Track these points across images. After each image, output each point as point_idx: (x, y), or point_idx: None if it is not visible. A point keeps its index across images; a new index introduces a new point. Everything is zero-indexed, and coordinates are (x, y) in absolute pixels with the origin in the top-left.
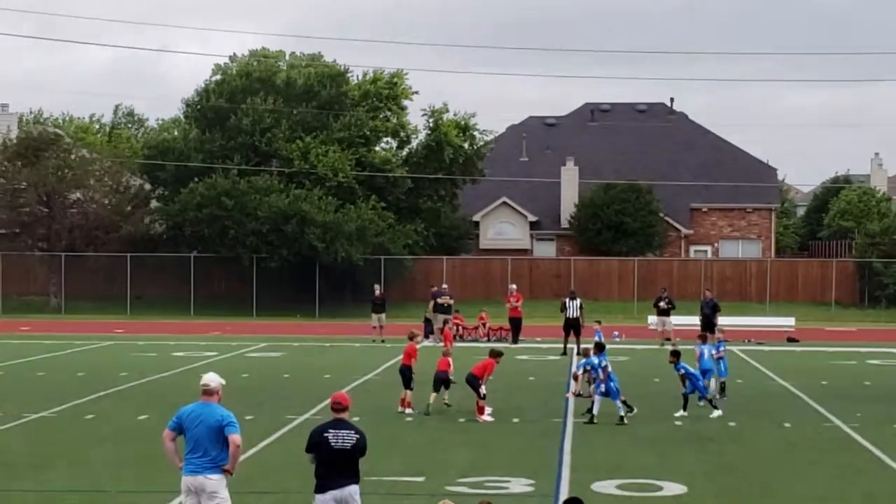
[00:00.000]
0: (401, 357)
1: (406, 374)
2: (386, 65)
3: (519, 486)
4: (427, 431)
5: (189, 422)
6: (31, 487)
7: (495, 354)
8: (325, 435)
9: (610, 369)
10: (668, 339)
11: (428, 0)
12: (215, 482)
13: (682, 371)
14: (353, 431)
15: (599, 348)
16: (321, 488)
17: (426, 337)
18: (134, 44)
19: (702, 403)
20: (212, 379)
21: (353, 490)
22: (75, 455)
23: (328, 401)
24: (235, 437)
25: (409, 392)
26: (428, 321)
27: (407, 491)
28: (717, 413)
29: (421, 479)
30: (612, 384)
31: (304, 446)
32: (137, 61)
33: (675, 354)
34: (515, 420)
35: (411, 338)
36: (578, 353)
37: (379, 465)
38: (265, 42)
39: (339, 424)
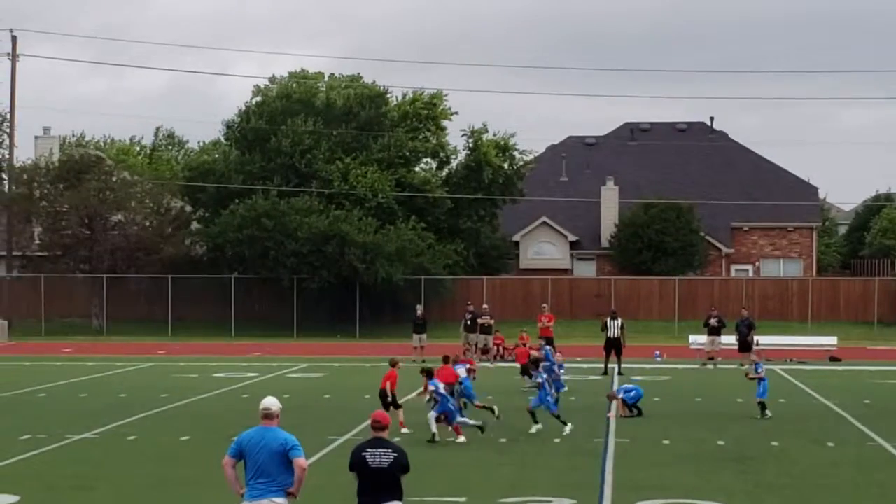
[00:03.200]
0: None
1: (383, 398)
2: (425, 85)
3: None
4: (468, 451)
5: (250, 447)
6: None
7: (392, 364)
8: (363, 454)
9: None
10: (712, 359)
11: (468, 22)
12: None
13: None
14: (391, 450)
15: (536, 364)
16: None
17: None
18: (184, 67)
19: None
20: (273, 403)
21: None
22: (118, 477)
23: (369, 421)
24: (302, 461)
25: (400, 411)
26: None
27: None
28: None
29: (463, 499)
30: (548, 398)
31: (345, 466)
32: (187, 85)
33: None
34: (556, 440)
35: (393, 364)
36: (620, 373)
37: (421, 486)
38: (310, 64)
39: (378, 443)
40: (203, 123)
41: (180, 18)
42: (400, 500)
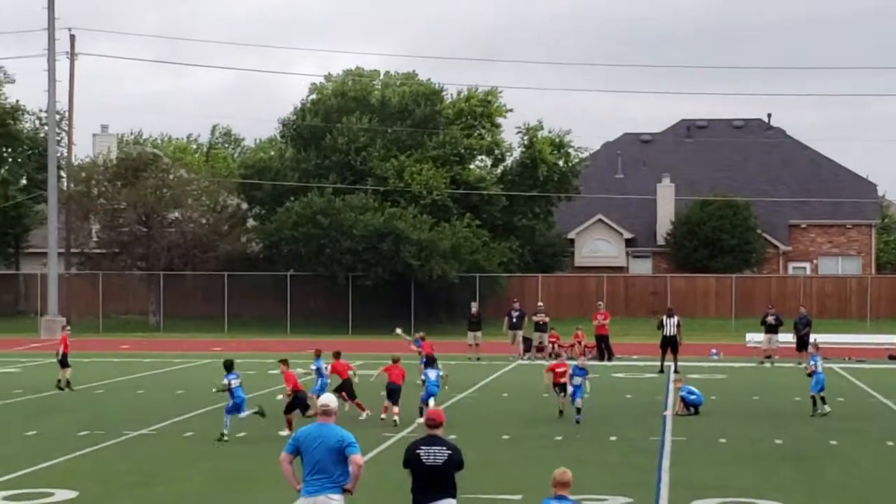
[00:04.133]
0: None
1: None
2: (480, 83)
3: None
4: (523, 449)
5: (308, 443)
6: (134, 503)
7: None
8: (418, 452)
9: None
10: (769, 357)
11: (524, 19)
12: (336, 502)
13: None
14: (445, 447)
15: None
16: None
17: (522, 355)
18: (244, 65)
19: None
20: (330, 400)
21: None
22: (175, 472)
23: (423, 418)
24: (358, 458)
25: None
26: (526, 339)
27: None
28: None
29: (518, 496)
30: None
31: (400, 463)
32: (246, 83)
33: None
34: (613, 438)
35: (395, 360)
36: (676, 371)
37: (475, 483)
38: (368, 62)
39: (432, 441)
40: (261, 121)
41: (241, 17)
42: (454, 497)
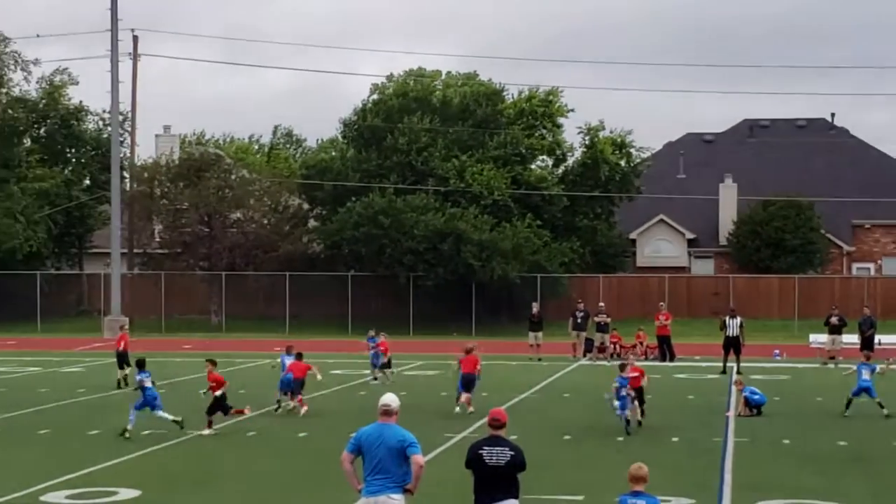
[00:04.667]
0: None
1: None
2: (542, 83)
3: None
4: (584, 450)
5: (369, 443)
6: (196, 503)
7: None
8: (480, 452)
9: None
10: (833, 358)
11: (585, 19)
12: (397, 502)
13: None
14: (507, 448)
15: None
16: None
17: (584, 355)
18: (310, 66)
19: None
20: (392, 400)
21: None
22: (237, 472)
23: (486, 418)
24: (419, 458)
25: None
26: (588, 340)
27: None
28: None
29: (580, 497)
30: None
31: (461, 463)
32: (310, 83)
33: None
34: (675, 439)
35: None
36: (739, 372)
37: (537, 484)
38: (433, 63)
39: (495, 441)
40: (323, 122)
41: (307, 17)
42: (516, 497)
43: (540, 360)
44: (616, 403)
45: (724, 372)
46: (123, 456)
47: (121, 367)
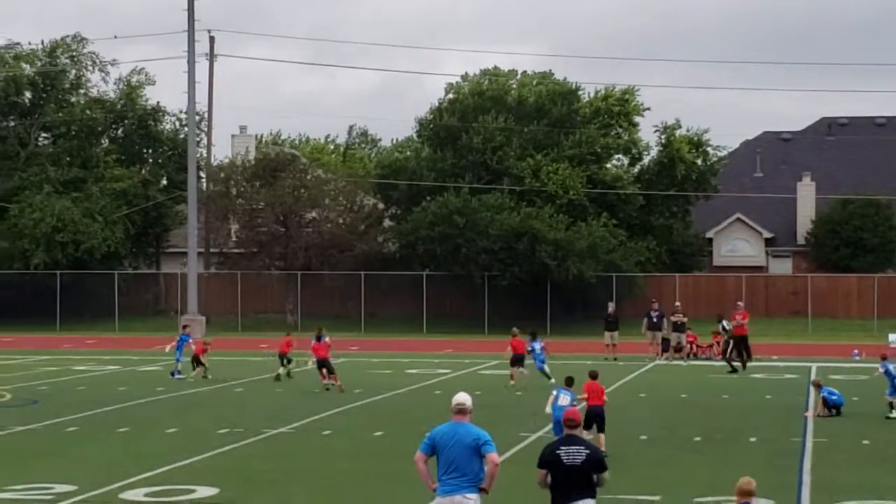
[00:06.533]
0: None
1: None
2: (618, 82)
3: None
4: (661, 450)
5: (443, 442)
6: (273, 501)
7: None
8: (558, 452)
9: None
10: None
11: (661, 19)
12: (473, 501)
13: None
14: (583, 447)
15: None
16: (554, 503)
17: (660, 355)
18: (395, 66)
19: None
20: (466, 398)
21: None
22: (313, 471)
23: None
24: (494, 456)
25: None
26: (665, 339)
27: None
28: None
29: (657, 497)
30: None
31: (535, 462)
32: (391, 83)
33: None
34: (753, 439)
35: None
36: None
37: (614, 484)
38: (513, 62)
39: (572, 441)
40: (399, 122)
41: (393, 17)
42: (593, 497)
43: (616, 359)
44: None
45: (734, 371)
46: (201, 454)
47: (196, 366)
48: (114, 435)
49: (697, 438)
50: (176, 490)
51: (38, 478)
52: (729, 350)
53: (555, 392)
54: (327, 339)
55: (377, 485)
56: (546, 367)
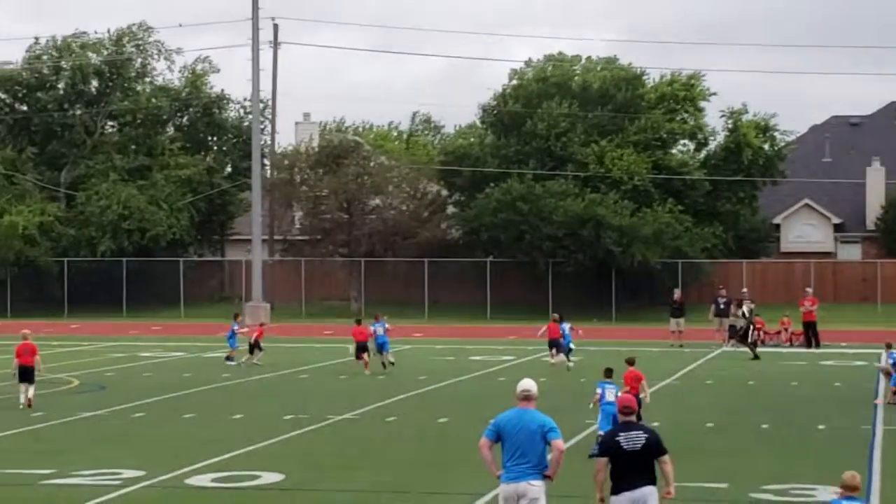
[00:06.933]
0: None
1: None
2: (683, 66)
3: (826, 494)
4: (728, 437)
5: (508, 429)
6: (338, 487)
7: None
8: (617, 439)
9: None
10: None
11: (730, 3)
12: (537, 488)
13: None
14: (642, 432)
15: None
16: (616, 490)
17: (727, 342)
18: (460, 52)
19: None
20: (531, 385)
21: (647, 491)
22: (378, 456)
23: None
24: (559, 443)
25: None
26: (731, 326)
27: (711, 497)
28: None
29: (724, 485)
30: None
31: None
32: (452, 70)
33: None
34: (821, 427)
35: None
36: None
37: (681, 472)
38: (582, 48)
39: (629, 427)
40: (462, 108)
41: (461, 2)
42: (654, 483)
43: (682, 346)
44: None
45: (757, 358)
46: (266, 440)
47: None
48: (180, 421)
49: (765, 426)
50: (241, 476)
51: (106, 463)
52: (750, 335)
53: (599, 389)
54: (387, 325)
55: (441, 471)
56: (572, 347)
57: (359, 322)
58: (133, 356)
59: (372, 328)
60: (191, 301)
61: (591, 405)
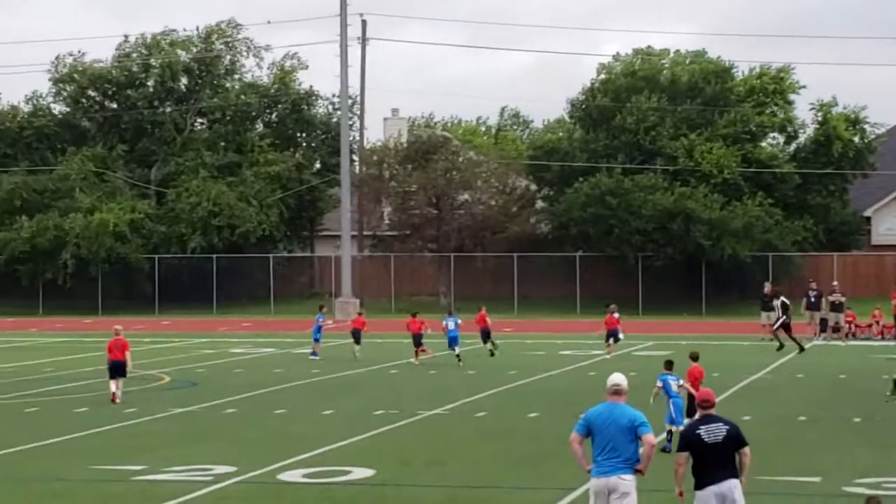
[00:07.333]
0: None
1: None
2: (773, 59)
3: None
4: (820, 431)
5: (599, 423)
6: (429, 482)
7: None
8: (698, 432)
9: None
10: None
11: None
12: (628, 483)
13: None
14: (722, 423)
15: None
16: (700, 484)
17: (818, 336)
18: (555, 48)
19: None
20: (622, 379)
21: (732, 484)
22: (468, 451)
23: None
24: (650, 437)
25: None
26: (822, 319)
27: (803, 491)
28: None
29: (817, 479)
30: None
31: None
32: (540, 65)
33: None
34: None
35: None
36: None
37: (772, 465)
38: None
39: (710, 419)
40: (551, 103)
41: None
42: (737, 477)
43: (772, 340)
44: None
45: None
46: (357, 436)
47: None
48: (271, 417)
49: (857, 419)
50: (333, 471)
51: (198, 459)
52: (779, 326)
53: (659, 382)
54: (460, 321)
55: (532, 466)
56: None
57: (415, 315)
58: (223, 352)
59: (444, 322)
60: (280, 297)
61: (652, 399)
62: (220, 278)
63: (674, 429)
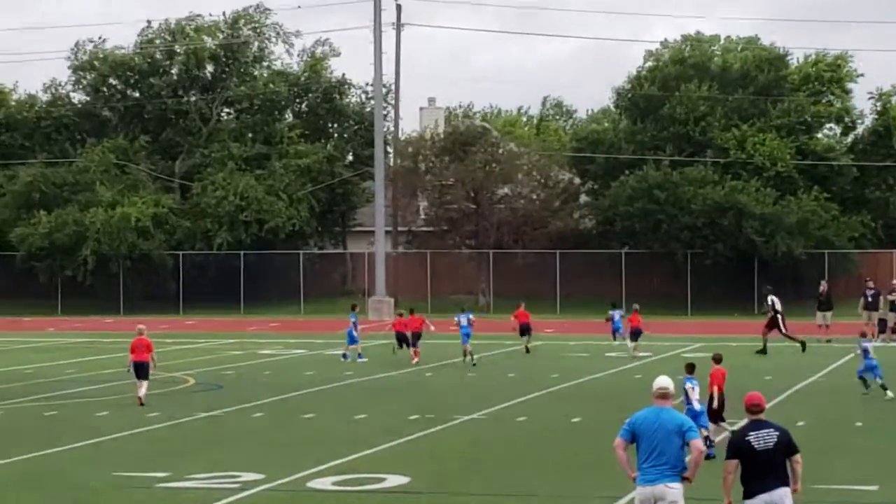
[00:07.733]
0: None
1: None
2: (829, 46)
3: None
4: (879, 436)
5: (645, 428)
6: (467, 490)
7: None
8: (747, 438)
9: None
10: None
11: None
12: (676, 491)
13: None
14: (773, 429)
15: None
16: (749, 493)
17: (877, 336)
18: (600, 33)
19: None
20: (668, 383)
21: (783, 492)
22: (507, 458)
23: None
24: (698, 443)
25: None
26: (881, 319)
27: (859, 500)
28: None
29: (873, 487)
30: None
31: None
32: (583, 52)
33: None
34: None
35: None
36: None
37: (828, 473)
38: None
39: (759, 425)
40: (595, 91)
41: None
42: (788, 485)
43: (829, 341)
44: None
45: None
46: (391, 441)
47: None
48: (300, 421)
49: None
50: (365, 479)
51: (224, 466)
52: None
53: (687, 384)
54: (472, 316)
55: (574, 473)
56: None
57: (402, 315)
58: (251, 353)
59: (456, 318)
60: (311, 295)
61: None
62: (248, 276)
63: (703, 431)
